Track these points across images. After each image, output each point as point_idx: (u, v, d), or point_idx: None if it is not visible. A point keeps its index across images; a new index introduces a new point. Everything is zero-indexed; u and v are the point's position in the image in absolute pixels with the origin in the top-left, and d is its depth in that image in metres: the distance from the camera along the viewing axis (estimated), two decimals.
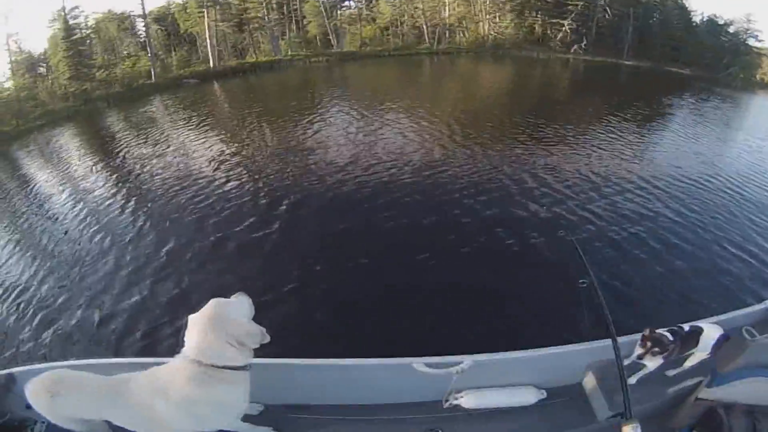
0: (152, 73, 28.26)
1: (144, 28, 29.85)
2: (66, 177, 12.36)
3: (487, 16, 32.01)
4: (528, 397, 2.60)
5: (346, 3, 38.33)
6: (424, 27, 33.33)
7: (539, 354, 2.41)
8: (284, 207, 7.85)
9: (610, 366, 2.21)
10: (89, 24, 27.91)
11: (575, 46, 28.91)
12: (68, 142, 17.62)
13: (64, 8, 25.87)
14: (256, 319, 2.25)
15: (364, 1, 36.78)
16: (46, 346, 5.15)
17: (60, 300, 6.08)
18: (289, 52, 33.28)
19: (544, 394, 2.60)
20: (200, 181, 9.65)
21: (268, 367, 2.35)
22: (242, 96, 22.91)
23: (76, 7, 27.31)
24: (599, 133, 12.16)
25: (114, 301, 5.82)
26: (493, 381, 2.53)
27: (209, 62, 30.69)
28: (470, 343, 2.71)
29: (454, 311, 4.88)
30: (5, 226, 9.48)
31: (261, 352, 2.17)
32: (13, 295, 6.40)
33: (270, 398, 2.60)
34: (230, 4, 32.43)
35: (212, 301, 2.02)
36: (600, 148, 10.76)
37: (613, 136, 12.12)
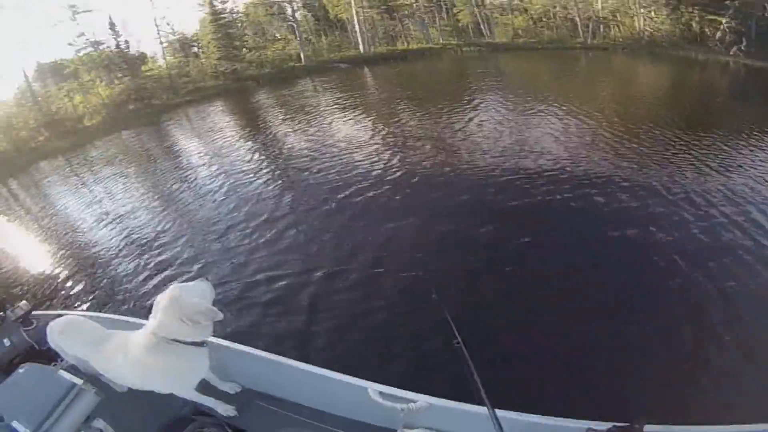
0: (301, 56, 27.68)
1: (291, 13, 29.55)
2: (207, 145, 13.03)
3: (641, 10, 27.70)
4: None
5: None
6: (578, 19, 29.49)
7: (505, 416, 1.99)
8: (416, 194, 7.40)
9: None
10: (238, 7, 28.30)
11: (734, 48, 23.19)
12: (215, 116, 18.42)
13: None
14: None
15: None
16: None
17: (187, 257, 6.42)
18: (441, 40, 31.00)
19: None
20: (342, 158, 9.47)
21: (251, 356, 2.56)
22: (392, 82, 21.96)
23: None
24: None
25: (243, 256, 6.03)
26: (447, 427, 2.29)
27: (359, 48, 29.71)
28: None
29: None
30: (149, 187, 10.26)
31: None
32: (142, 248, 6.94)
33: (248, 382, 2.73)
34: None
35: (172, 286, 2.21)
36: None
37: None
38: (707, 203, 6.55)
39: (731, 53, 23.76)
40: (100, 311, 4.55)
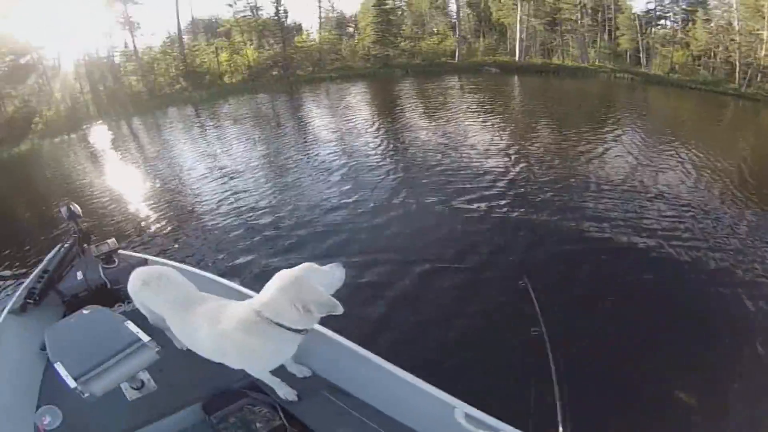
0: (456, 53, 26.85)
1: (455, 10, 28.87)
2: (339, 122, 12.82)
3: None
4: None
5: (662, 21, 32.61)
6: (737, 63, 27.03)
7: None
8: (530, 212, 6.89)
9: None
10: None
11: None
12: (355, 96, 17.98)
13: None
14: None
15: (680, 23, 30.89)
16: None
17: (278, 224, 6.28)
18: (596, 62, 29.67)
19: None
20: (469, 163, 9.09)
21: (332, 341, 2.37)
22: (538, 95, 21.13)
23: None
24: None
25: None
26: None
27: (514, 55, 28.48)
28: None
29: None
30: (268, 152, 10.25)
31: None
32: (243, 210, 6.78)
33: (319, 368, 2.50)
34: (544, 1, 29.85)
35: (302, 264, 1.99)
36: None
37: None
38: None
39: None
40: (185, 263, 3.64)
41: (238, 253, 5.44)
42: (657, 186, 8.61)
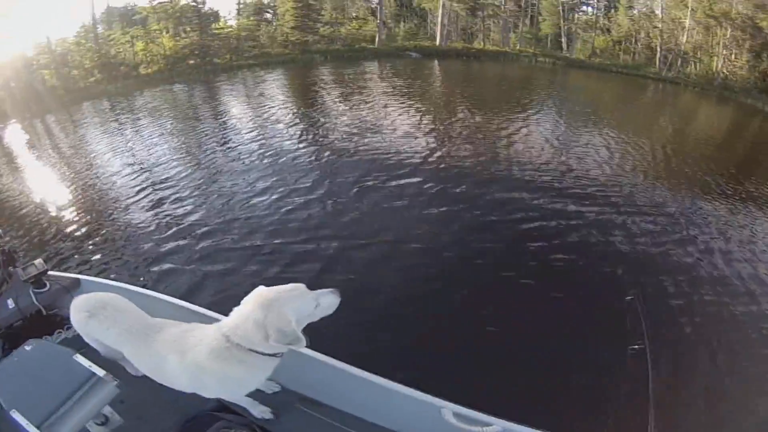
0: (376, 39, 27.10)
1: None
2: (258, 111, 13.07)
3: (724, 51, 27.15)
4: None
5: (584, 8, 33.85)
6: (658, 49, 28.98)
7: None
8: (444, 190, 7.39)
9: None
10: None
11: None
12: (272, 83, 18.35)
13: None
14: None
15: (603, 9, 32.58)
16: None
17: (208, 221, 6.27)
18: (518, 47, 30.53)
19: None
20: (386, 145, 9.59)
21: (299, 353, 2.15)
22: (458, 78, 21.85)
23: None
24: None
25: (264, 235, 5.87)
26: None
27: (435, 40, 28.87)
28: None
29: None
30: (185, 143, 10.39)
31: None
32: (161, 205, 6.83)
33: (288, 382, 2.45)
34: None
35: (286, 285, 1.86)
36: None
37: None
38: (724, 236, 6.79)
39: None
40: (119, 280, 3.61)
41: (170, 264, 5.25)
42: (575, 165, 9.17)
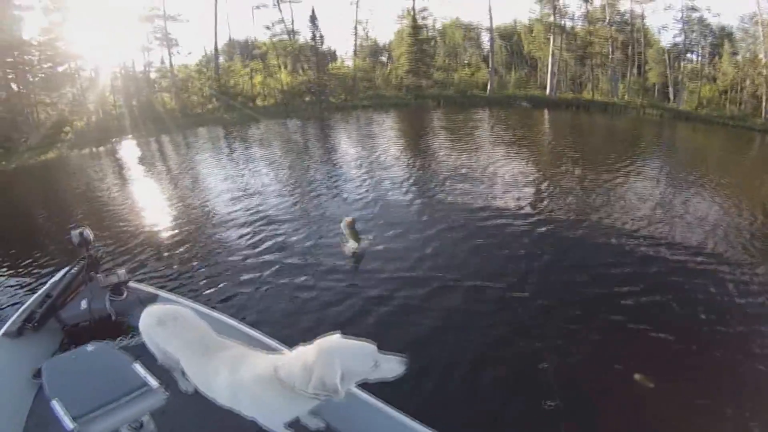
0: (488, 86, 26.78)
1: (488, 42, 28.97)
2: (370, 151, 12.86)
3: None
4: None
5: (689, 55, 32.87)
6: (764, 97, 27.14)
7: None
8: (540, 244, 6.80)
9: None
10: (436, 26, 28.38)
11: None
12: (387, 125, 18.14)
13: (414, 8, 26.01)
14: None
15: (707, 56, 31.57)
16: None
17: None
18: (626, 97, 29.63)
19: None
20: (490, 194, 9.02)
21: (352, 393, 2.11)
22: (567, 130, 21.00)
23: (425, 9, 27.90)
24: None
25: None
26: None
27: (545, 89, 28.38)
28: None
29: None
30: (293, 178, 10.14)
31: None
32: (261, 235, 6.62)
33: (334, 420, 2.32)
34: (576, 35, 29.88)
35: (347, 340, 1.82)
36: None
37: None
38: None
39: None
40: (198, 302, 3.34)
41: (256, 294, 5.06)
42: (679, 229, 8.26)
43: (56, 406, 1.73)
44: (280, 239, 6.52)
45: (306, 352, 1.78)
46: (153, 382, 1.94)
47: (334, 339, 1.79)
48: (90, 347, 2.11)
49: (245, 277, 5.41)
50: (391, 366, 1.79)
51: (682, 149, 19.20)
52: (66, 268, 3.07)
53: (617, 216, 8.67)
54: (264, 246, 6.26)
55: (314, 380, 1.70)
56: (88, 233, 3.03)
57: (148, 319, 2.18)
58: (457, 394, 3.75)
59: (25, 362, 2.46)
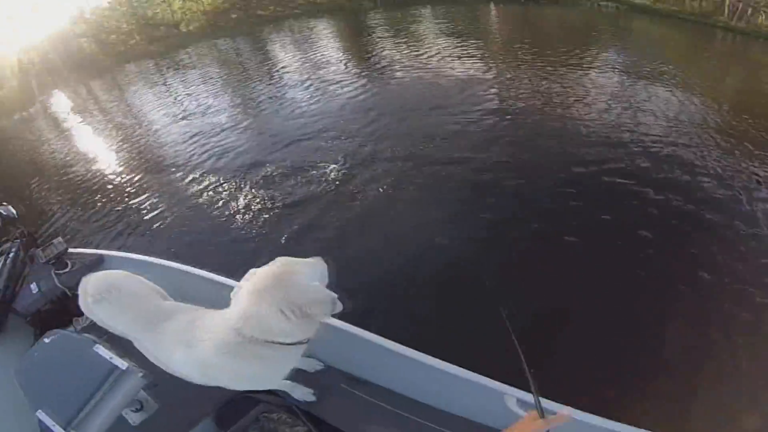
0: None
1: None
2: (306, 63, 12.52)
3: None
4: None
5: None
6: None
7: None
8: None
9: None
10: None
11: None
12: (320, 32, 17.44)
13: None
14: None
15: None
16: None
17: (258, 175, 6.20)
18: None
19: None
20: (438, 96, 8.82)
21: (340, 331, 2.09)
22: (517, 24, 20.35)
23: None
24: None
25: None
26: None
27: None
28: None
29: None
30: (233, 97, 10.24)
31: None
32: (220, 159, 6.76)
33: (332, 360, 2.27)
34: None
35: (278, 260, 1.57)
36: None
37: None
38: None
39: None
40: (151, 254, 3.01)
41: (221, 230, 5.09)
42: (640, 124, 8.37)
43: (43, 417, 1.63)
44: (229, 167, 6.48)
45: (263, 293, 1.48)
46: (121, 363, 1.79)
47: (268, 268, 1.54)
48: (47, 339, 1.93)
49: (192, 214, 5.46)
50: (319, 267, 1.64)
51: (640, 43, 18.83)
52: (2, 257, 2.71)
53: (577, 107, 8.84)
54: (212, 180, 6.19)
55: (315, 308, 1.48)
56: (9, 209, 2.75)
57: (83, 299, 1.86)
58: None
59: (5, 371, 2.14)
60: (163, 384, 1.94)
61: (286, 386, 1.99)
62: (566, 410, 1.52)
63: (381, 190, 5.71)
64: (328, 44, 14.97)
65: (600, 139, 7.46)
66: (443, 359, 1.93)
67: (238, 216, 5.36)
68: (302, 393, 2.03)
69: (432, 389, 2.05)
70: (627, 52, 15.36)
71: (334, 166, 6.21)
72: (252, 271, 1.54)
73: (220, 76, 12.09)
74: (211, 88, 11.09)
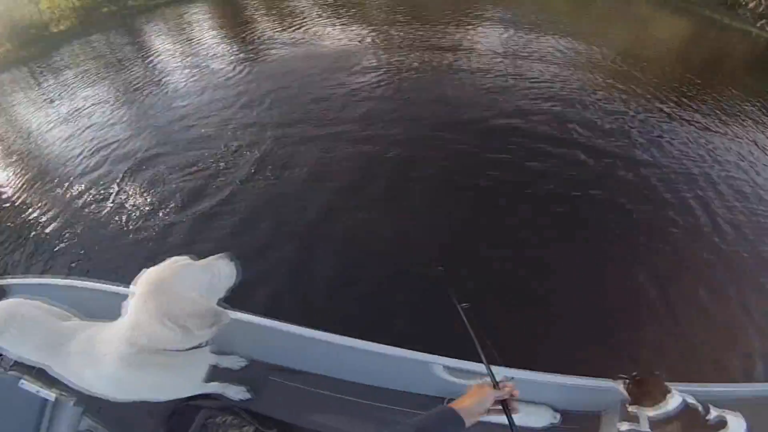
0: None
1: None
2: (183, 49, 12.67)
3: None
4: (540, 418, 2.20)
5: None
6: None
7: (562, 381, 1.99)
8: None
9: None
10: None
11: (763, 21, 21.24)
12: (194, 18, 17.40)
13: None
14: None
15: None
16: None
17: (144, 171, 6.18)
18: None
19: (557, 419, 2.22)
20: (323, 71, 9.07)
21: (256, 326, 2.08)
22: None
23: None
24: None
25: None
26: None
27: None
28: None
29: None
30: (113, 94, 9.97)
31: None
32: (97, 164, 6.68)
33: (254, 354, 2.34)
34: None
35: (167, 261, 1.52)
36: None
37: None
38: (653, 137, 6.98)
39: (758, 25, 21.23)
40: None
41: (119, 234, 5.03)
42: (528, 74, 9.08)
43: None
44: (117, 167, 6.44)
45: (145, 302, 1.45)
46: (49, 394, 1.73)
47: (153, 272, 1.49)
48: None
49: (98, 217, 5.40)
50: (222, 268, 1.61)
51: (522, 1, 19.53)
52: None
53: (468, 60, 9.40)
54: (102, 183, 6.14)
55: (187, 320, 1.45)
56: None
57: None
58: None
59: None
60: (106, 408, 1.92)
61: (217, 387, 2.03)
62: (513, 373, 1.74)
63: (273, 172, 5.85)
64: (204, 29, 15.14)
65: (491, 94, 7.95)
66: (375, 340, 2.02)
67: (134, 215, 5.35)
68: (236, 392, 2.10)
69: (360, 368, 2.16)
70: (512, 10, 15.64)
71: (222, 151, 6.36)
72: (142, 272, 1.49)
73: (97, 73, 11.93)
74: (89, 87, 10.80)
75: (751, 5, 22.44)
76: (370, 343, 2.01)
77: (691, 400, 1.80)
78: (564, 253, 4.45)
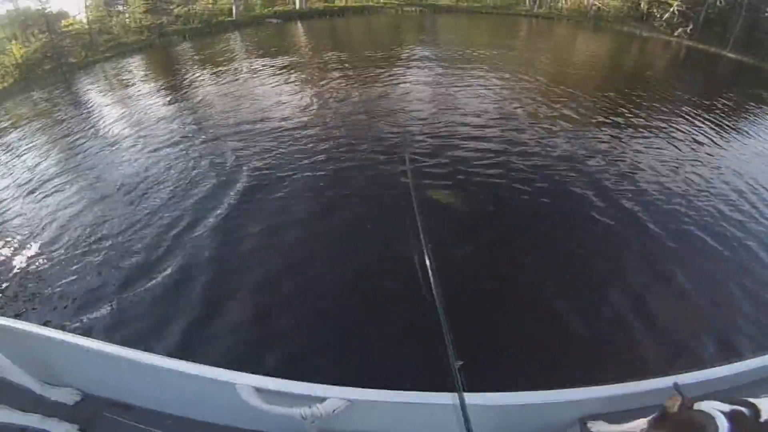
0: (233, 11, 26.77)
1: None
2: (123, 105, 12.92)
3: None
4: None
5: None
6: None
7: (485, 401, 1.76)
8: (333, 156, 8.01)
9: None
10: None
11: (680, 30, 24.78)
12: (133, 72, 18.22)
13: None
14: None
15: None
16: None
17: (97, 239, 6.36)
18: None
19: None
20: (264, 121, 9.63)
21: (88, 351, 1.89)
22: (326, 36, 22.46)
23: None
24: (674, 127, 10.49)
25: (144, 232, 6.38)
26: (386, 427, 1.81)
27: (294, 4, 28.44)
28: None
29: None
30: (59, 151, 10.03)
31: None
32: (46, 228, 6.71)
33: (89, 386, 2.11)
34: None
35: None
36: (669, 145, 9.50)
37: (685, 131, 10.41)
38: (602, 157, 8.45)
39: (675, 34, 24.63)
40: None
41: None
42: (454, 104, 10.06)
43: None
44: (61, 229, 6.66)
45: None
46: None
47: None
48: None
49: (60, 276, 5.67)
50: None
51: (451, 37, 21.24)
52: None
53: (398, 95, 10.36)
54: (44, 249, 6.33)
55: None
56: None
57: None
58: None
59: None
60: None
61: (47, 424, 1.90)
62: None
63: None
64: (142, 81, 15.82)
65: (424, 115, 9.21)
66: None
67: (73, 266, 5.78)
68: (66, 429, 1.94)
69: (192, 398, 1.96)
70: (439, 43, 17.70)
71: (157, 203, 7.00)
72: None
73: (42, 133, 11.81)
74: (31, 149, 10.56)
75: (666, 17, 25.63)
76: (197, 365, 1.82)
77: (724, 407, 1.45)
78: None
